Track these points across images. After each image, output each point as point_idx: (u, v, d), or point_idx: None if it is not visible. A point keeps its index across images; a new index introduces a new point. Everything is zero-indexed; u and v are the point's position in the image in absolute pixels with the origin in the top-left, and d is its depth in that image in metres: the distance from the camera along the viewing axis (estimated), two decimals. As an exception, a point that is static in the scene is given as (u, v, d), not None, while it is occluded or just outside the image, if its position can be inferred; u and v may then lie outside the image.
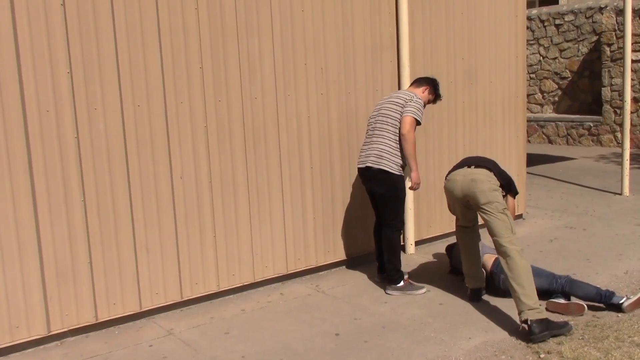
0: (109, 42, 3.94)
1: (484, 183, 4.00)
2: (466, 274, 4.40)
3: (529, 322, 3.68)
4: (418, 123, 4.47)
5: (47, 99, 3.76)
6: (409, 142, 4.42)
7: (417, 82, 4.78)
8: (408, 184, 5.11)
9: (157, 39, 4.13)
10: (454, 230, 6.04)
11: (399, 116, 4.47)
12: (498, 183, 4.06)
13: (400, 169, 4.53)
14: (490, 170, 4.11)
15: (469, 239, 4.38)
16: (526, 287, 3.76)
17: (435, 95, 4.78)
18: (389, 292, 4.61)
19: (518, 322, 3.85)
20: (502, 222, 3.91)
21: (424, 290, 4.59)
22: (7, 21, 3.60)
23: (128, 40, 4.01)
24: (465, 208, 4.26)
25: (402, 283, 4.60)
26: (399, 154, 4.50)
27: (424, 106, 4.65)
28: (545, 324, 3.68)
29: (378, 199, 4.63)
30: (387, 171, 4.48)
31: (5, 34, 3.60)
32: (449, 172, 4.31)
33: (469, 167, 4.17)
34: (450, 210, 4.45)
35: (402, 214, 4.68)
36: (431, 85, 4.76)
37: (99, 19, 3.90)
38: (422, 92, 4.70)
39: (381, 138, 4.52)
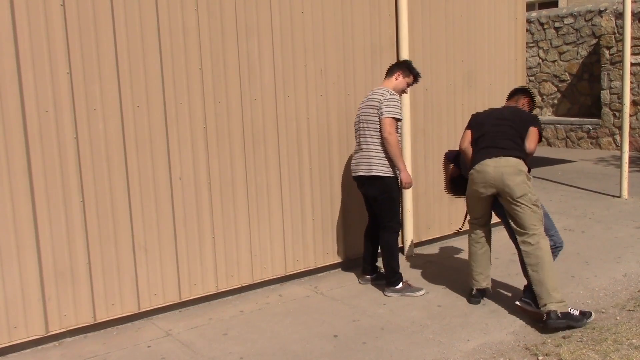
0: (108, 42, 3.95)
1: (518, 175, 3.97)
2: (475, 276, 4.35)
3: (558, 314, 3.80)
4: (398, 119, 4.43)
5: (46, 99, 3.76)
6: (391, 144, 4.39)
7: (389, 72, 4.66)
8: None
9: (157, 39, 4.13)
10: (453, 233, 6.10)
11: (377, 119, 4.45)
12: (526, 169, 4.04)
13: (392, 170, 4.49)
14: (519, 157, 4.06)
15: (483, 245, 4.36)
16: (554, 279, 3.88)
17: (411, 75, 4.63)
18: (387, 294, 4.61)
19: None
20: (535, 214, 3.94)
21: (422, 292, 4.59)
22: (7, 21, 3.60)
23: (127, 41, 4.02)
24: (489, 201, 4.22)
25: (400, 285, 4.60)
26: (386, 155, 4.47)
27: (403, 92, 4.61)
28: (564, 314, 3.83)
29: (372, 202, 4.62)
30: (379, 176, 4.47)
31: (5, 34, 3.60)
32: (477, 161, 4.16)
33: (497, 156, 4.06)
34: (467, 204, 4.38)
35: (398, 215, 4.65)
36: (402, 68, 4.63)
37: (99, 19, 3.90)
38: (395, 80, 4.59)
39: (367, 145, 4.53)
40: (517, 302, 4.13)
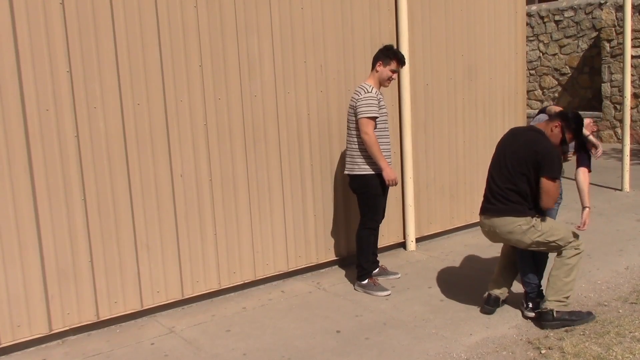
0: (108, 40, 3.94)
1: (513, 234, 3.77)
2: (491, 279, 4.21)
3: (554, 314, 3.79)
4: (375, 117, 4.38)
5: (46, 98, 3.76)
6: (368, 144, 4.36)
7: (372, 63, 4.56)
8: (409, 181, 5.11)
9: (157, 37, 4.13)
10: (456, 227, 6.09)
11: (355, 119, 4.44)
12: (528, 218, 3.74)
13: (373, 167, 4.44)
14: (512, 214, 3.76)
15: (510, 259, 4.16)
16: (564, 280, 3.79)
17: (393, 61, 4.46)
18: (355, 287, 4.68)
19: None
20: (553, 246, 3.79)
21: (386, 293, 4.53)
22: (7, 20, 3.59)
23: (127, 39, 4.01)
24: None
25: (366, 281, 4.62)
26: (367, 153, 4.45)
27: (390, 80, 4.52)
28: (561, 314, 3.81)
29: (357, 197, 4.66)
30: (360, 174, 4.48)
31: (5, 33, 3.60)
32: (480, 210, 3.99)
33: (491, 217, 3.84)
34: None
35: (375, 213, 4.59)
36: (382, 56, 4.47)
37: (98, 17, 3.89)
38: (376, 72, 4.49)
39: (349, 144, 4.55)
40: (527, 313, 4.05)
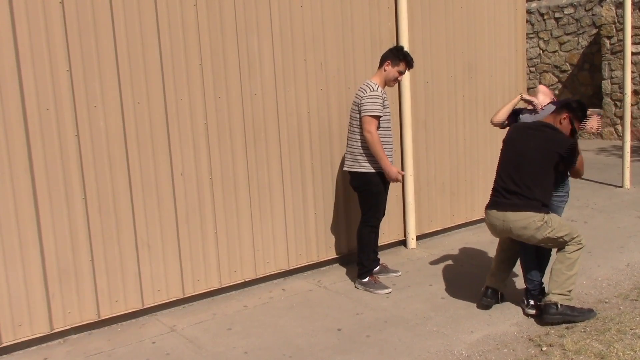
0: (108, 39, 3.94)
1: (527, 229, 3.78)
2: (492, 272, 4.19)
3: (558, 307, 3.79)
4: (379, 117, 4.37)
5: (46, 97, 3.76)
6: (371, 143, 4.35)
7: (380, 61, 4.55)
8: (409, 179, 5.09)
9: (156, 36, 4.13)
10: (456, 224, 6.09)
11: (359, 116, 4.43)
12: (542, 214, 3.76)
13: (375, 165, 4.44)
14: (528, 209, 3.77)
15: (506, 253, 4.17)
16: (567, 274, 3.81)
17: (402, 62, 4.46)
18: (356, 285, 4.68)
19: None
20: (560, 242, 3.82)
21: (387, 291, 4.54)
22: (6, 20, 3.59)
23: (127, 38, 4.01)
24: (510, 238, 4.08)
25: (367, 279, 4.62)
26: (369, 151, 4.44)
27: (396, 81, 4.52)
28: (564, 308, 3.80)
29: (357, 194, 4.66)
30: (361, 172, 4.48)
31: (5, 33, 3.60)
32: (488, 203, 3.98)
33: (505, 210, 3.83)
34: None
35: (377, 211, 4.59)
36: (391, 56, 4.47)
37: (98, 16, 3.89)
38: (384, 71, 4.48)
39: (351, 141, 4.54)
40: (528, 310, 4.05)
